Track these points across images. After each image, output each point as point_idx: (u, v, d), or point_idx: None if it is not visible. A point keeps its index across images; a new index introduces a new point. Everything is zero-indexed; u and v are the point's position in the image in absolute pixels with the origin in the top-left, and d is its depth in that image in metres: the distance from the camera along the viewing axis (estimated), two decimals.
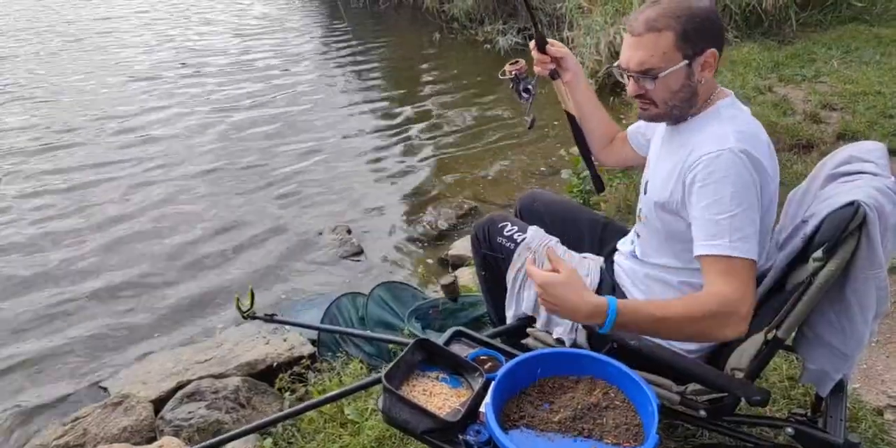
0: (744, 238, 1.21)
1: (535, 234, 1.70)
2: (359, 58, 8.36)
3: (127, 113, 6.00)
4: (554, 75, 1.75)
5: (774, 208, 1.33)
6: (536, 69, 1.74)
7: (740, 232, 1.21)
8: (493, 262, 1.74)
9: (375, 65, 8.11)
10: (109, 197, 4.38)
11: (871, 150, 1.26)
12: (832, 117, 4.07)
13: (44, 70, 7.52)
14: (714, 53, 1.31)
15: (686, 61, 1.30)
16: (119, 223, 4.04)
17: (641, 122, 1.61)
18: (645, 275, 1.51)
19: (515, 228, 1.71)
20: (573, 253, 1.69)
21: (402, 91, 6.87)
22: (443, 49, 8.83)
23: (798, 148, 3.70)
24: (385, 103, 6.49)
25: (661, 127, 1.49)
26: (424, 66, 7.90)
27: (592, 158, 1.84)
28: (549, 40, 1.72)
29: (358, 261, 3.55)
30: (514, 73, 1.76)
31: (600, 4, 6.84)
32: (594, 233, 1.82)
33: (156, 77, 7.18)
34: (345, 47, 8.87)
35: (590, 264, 1.65)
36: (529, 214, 1.89)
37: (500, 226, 1.72)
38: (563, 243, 1.70)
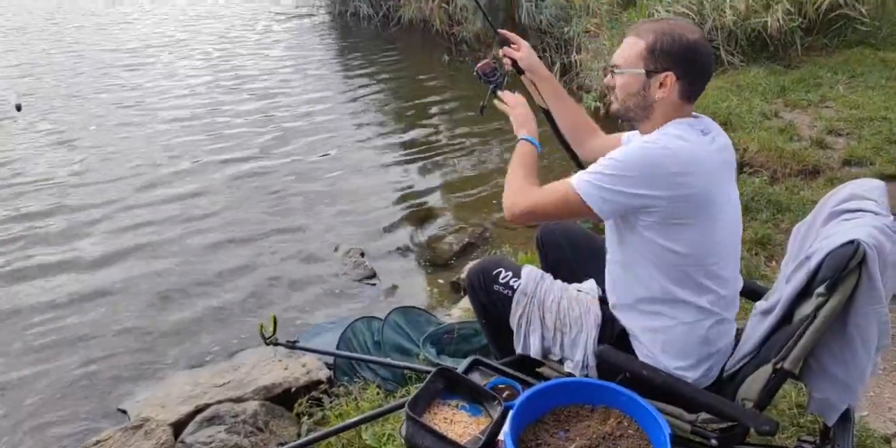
0: (600, 182, 1.39)
1: (528, 279, 1.71)
2: (370, 79, 8.50)
3: (138, 134, 6.12)
4: (519, 70, 1.91)
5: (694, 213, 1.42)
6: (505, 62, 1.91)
7: (609, 175, 1.39)
8: (493, 309, 1.75)
9: (386, 86, 8.24)
10: (123, 220, 4.47)
11: (871, 188, 1.31)
12: (838, 143, 4.12)
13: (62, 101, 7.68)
14: (671, 77, 1.44)
15: (644, 72, 1.45)
16: (134, 245, 4.11)
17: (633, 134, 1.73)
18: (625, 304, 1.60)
19: (510, 274, 1.73)
20: (569, 288, 1.72)
21: (413, 112, 6.98)
22: (452, 71, 8.96)
23: (804, 174, 3.75)
24: (395, 125, 6.59)
25: None
26: (434, 87, 8.03)
27: (578, 156, 1.96)
28: (511, 38, 1.91)
29: (371, 284, 3.61)
30: (476, 71, 1.92)
31: (607, 29, 6.96)
32: None
33: (165, 93, 7.33)
34: (356, 68, 9.04)
35: (588, 300, 1.67)
36: (549, 244, 1.95)
37: (493, 273, 1.74)
38: (578, 272, 1.76)
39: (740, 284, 1.57)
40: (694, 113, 1.52)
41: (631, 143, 1.48)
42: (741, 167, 4.03)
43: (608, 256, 1.62)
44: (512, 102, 1.78)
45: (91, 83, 7.88)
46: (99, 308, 3.49)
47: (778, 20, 5.87)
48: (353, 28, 12.40)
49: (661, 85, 1.45)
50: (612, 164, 1.41)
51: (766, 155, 4.01)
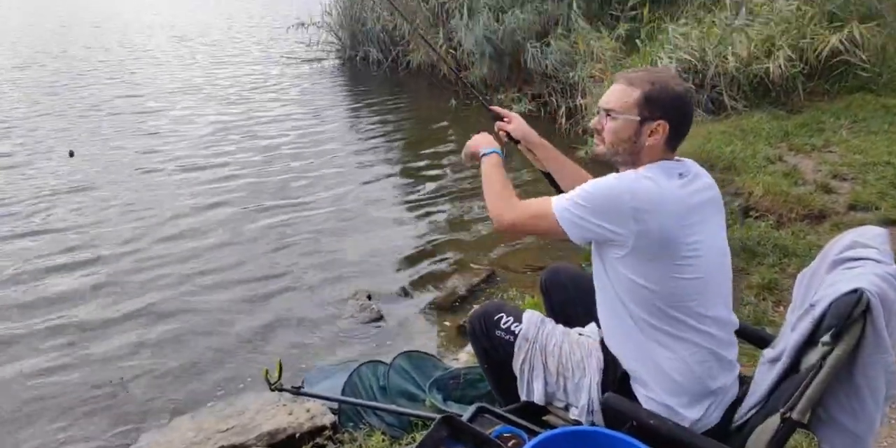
0: (571, 208, 1.51)
1: (529, 324, 1.74)
2: (379, 122, 8.65)
3: (149, 167, 6.21)
4: (514, 141, 2.05)
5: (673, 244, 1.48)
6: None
7: (580, 205, 1.50)
8: (495, 355, 1.77)
9: (394, 129, 8.38)
10: (131, 257, 4.50)
11: (873, 236, 1.33)
12: (843, 187, 4.14)
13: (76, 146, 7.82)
14: (664, 125, 1.53)
15: (639, 119, 1.53)
16: (141, 286, 4.13)
17: None
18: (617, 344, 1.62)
19: (511, 319, 1.76)
20: (570, 332, 1.75)
21: (420, 155, 7.06)
22: (458, 114, 9.10)
23: (810, 218, 3.77)
24: (403, 167, 6.68)
25: None
26: (441, 130, 8.15)
27: None
28: (503, 113, 2.06)
29: (378, 327, 3.60)
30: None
31: (611, 74, 7.09)
32: None
33: (180, 134, 7.46)
34: (365, 112, 9.21)
35: (590, 343, 1.69)
36: (554, 287, 1.97)
37: (495, 318, 1.77)
38: (582, 314, 1.76)
39: (732, 324, 1.59)
40: (677, 157, 1.60)
41: (609, 176, 1.56)
42: (746, 211, 4.05)
43: (596, 292, 1.66)
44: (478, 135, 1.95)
45: (107, 128, 7.92)
46: (103, 346, 3.49)
47: (780, 66, 5.98)
48: (362, 72, 12.67)
49: (651, 132, 1.54)
50: (583, 195, 1.52)
51: (772, 199, 4.04)
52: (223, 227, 5.02)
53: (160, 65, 12.64)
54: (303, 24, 13.43)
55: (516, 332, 1.70)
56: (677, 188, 1.49)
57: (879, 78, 6.48)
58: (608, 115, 1.58)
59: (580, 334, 1.71)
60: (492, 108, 2.09)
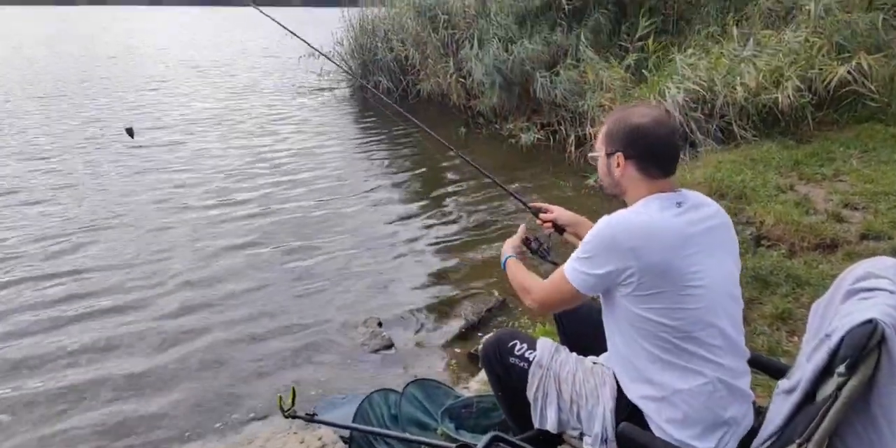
0: (578, 266, 1.56)
1: (544, 351, 1.76)
2: (389, 151, 8.76)
3: (163, 202, 6.27)
4: (560, 230, 2.12)
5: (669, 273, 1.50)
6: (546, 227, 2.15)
7: (580, 263, 1.56)
8: (508, 382, 1.79)
9: (403, 157, 8.48)
10: (145, 282, 4.53)
11: (886, 267, 1.33)
12: (854, 216, 4.14)
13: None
14: (619, 156, 1.60)
15: (605, 153, 1.64)
16: (152, 311, 4.15)
17: None
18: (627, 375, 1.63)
19: (525, 346, 1.78)
20: (584, 360, 1.76)
21: (430, 183, 7.13)
22: (468, 143, 9.19)
23: (822, 247, 3.76)
24: (413, 195, 6.73)
25: None
26: (451, 158, 8.20)
27: None
28: (542, 207, 2.15)
29: (389, 354, 3.60)
30: (522, 248, 2.11)
31: (620, 103, 7.16)
32: None
33: (189, 168, 7.55)
34: (375, 141, 9.33)
35: (603, 371, 1.70)
36: (567, 316, 1.99)
37: (509, 345, 1.80)
38: (595, 344, 1.76)
39: (744, 353, 1.60)
40: (679, 189, 1.62)
41: (599, 220, 1.60)
42: (758, 240, 4.05)
43: (605, 327, 1.68)
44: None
45: (122, 162, 7.82)
46: (114, 372, 3.49)
47: (788, 96, 6.02)
48: (372, 101, 12.84)
49: (617, 164, 1.61)
50: (584, 249, 1.57)
51: (783, 228, 4.03)
52: (234, 256, 5.05)
53: (174, 97, 12.82)
54: (314, 55, 13.66)
55: (530, 358, 1.72)
56: (672, 218, 1.51)
57: (888, 108, 6.50)
58: (591, 156, 1.71)
59: (594, 363, 1.72)
60: (532, 205, 2.19)
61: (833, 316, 1.31)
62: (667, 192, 1.58)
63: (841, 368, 1.15)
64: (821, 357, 1.22)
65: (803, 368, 1.30)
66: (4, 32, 37.06)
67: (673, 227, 1.50)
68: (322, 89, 14.09)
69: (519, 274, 1.86)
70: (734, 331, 1.57)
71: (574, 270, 1.58)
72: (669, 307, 1.49)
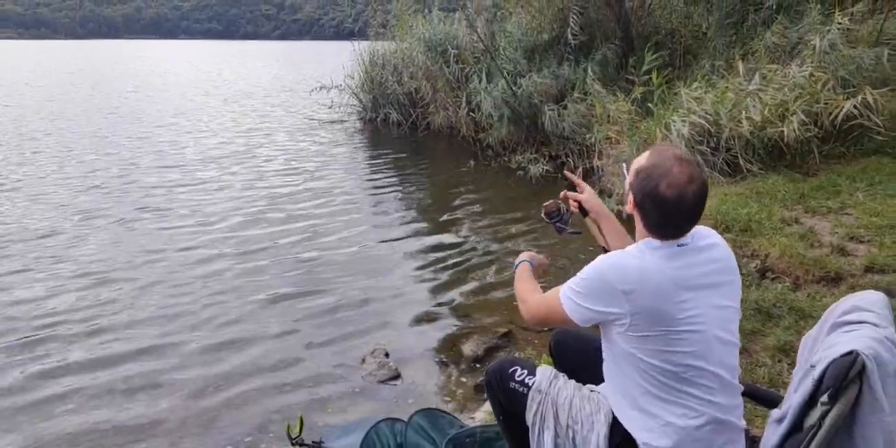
0: (573, 297, 1.61)
1: (543, 377, 1.82)
2: (398, 183, 8.87)
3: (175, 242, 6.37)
4: (584, 212, 2.07)
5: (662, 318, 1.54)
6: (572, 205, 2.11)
7: (577, 292, 1.60)
8: (509, 406, 1.85)
9: (413, 189, 8.58)
10: (155, 310, 4.60)
11: (873, 301, 1.38)
12: (859, 249, 4.16)
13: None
14: (631, 199, 1.60)
15: (628, 184, 1.63)
16: (159, 338, 4.20)
17: None
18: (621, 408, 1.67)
19: (525, 372, 1.84)
20: (582, 387, 1.81)
21: (439, 215, 7.20)
22: (477, 175, 9.29)
23: (826, 280, 3.78)
24: (421, 226, 6.81)
25: None
26: (460, 191, 8.31)
27: None
28: (577, 182, 2.10)
29: (395, 385, 3.62)
30: (544, 216, 2.13)
31: (627, 136, 7.25)
32: None
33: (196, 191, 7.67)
34: (385, 173, 9.46)
35: (599, 399, 1.75)
36: (561, 348, 2.04)
37: (510, 371, 1.86)
38: (590, 376, 1.81)
39: (736, 389, 1.62)
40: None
41: (595, 261, 1.63)
42: (763, 273, 4.08)
43: (603, 360, 1.72)
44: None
45: (143, 202, 7.59)
46: (118, 395, 3.54)
47: (794, 130, 6.08)
48: (382, 133, 13.06)
49: (629, 201, 1.62)
50: (579, 282, 1.62)
51: (788, 261, 4.06)
52: (242, 282, 5.12)
53: (191, 133, 12.92)
54: (324, 87, 14.01)
55: (530, 384, 1.78)
56: (667, 262, 1.53)
57: (895, 141, 6.56)
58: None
59: (591, 391, 1.77)
60: (567, 174, 2.15)
61: (819, 348, 1.36)
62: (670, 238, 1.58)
63: (824, 398, 1.20)
64: (806, 387, 1.26)
65: (791, 398, 1.34)
66: (18, 66, 37.98)
67: (667, 272, 1.52)
68: (333, 121, 14.35)
69: (523, 282, 1.91)
70: (728, 373, 1.58)
71: (568, 299, 1.63)
72: (661, 349, 1.53)
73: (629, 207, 1.61)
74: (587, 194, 2.06)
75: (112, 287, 5.03)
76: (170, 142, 11.78)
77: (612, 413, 1.68)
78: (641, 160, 1.60)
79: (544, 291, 1.80)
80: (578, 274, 1.63)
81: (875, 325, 1.28)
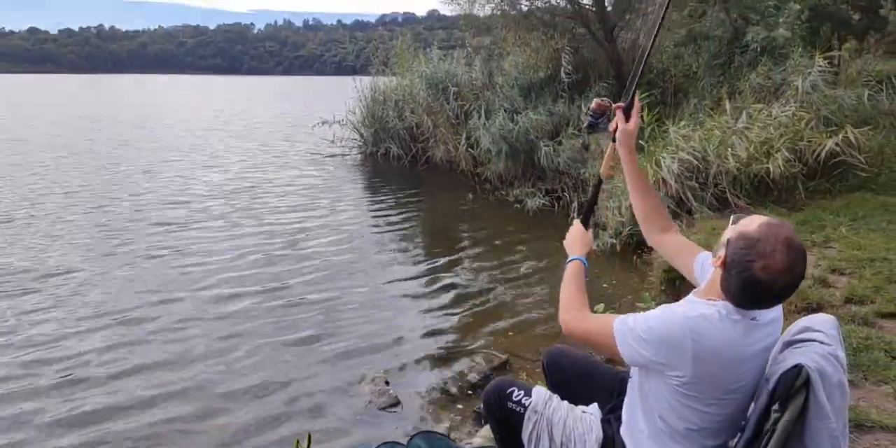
0: (630, 338, 1.56)
1: (538, 397, 1.95)
2: (398, 215, 9.07)
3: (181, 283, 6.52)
4: (614, 139, 2.05)
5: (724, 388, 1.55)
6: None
7: (639, 336, 1.54)
8: (506, 425, 1.97)
9: (412, 221, 8.78)
10: (156, 338, 4.71)
11: (822, 321, 1.55)
12: (840, 281, 4.33)
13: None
14: (720, 260, 1.52)
15: (725, 240, 1.52)
16: (163, 365, 4.31)
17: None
18: (630, 430, 1.75)
19: (522, 393, 1.96)
20: (575, 408, 1.94)
21: (437, 246, 7.39)
22: (475, 207, 9.51)
23: (808, 310, 3.93)
24: (422, 257, 6.98)
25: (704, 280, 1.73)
26: (458, 223, 8.52)
27: (654, 242, 2.08)
28: (634, 109, 2.00)
29: (394, 412, 3.75)
30: (590, 110, 2.12)
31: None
32: (612, 387, 2.05)
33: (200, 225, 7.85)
34: (384, 205, 9.68)
35: (591, 419, 1.89)
36: (554, 367, 2.18)
37: (507, 392, 1.97)
38: (580, 394, 1.97)
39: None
40: None
41: (674, 307, 1.60)
42: None
43: (629, 382, 1.76)
44: (575, 229, 2.07)
45: (153, 241, 7.48)
46: (132, 424, 3.65)
47: (779, 166, 6.32)
48: (383, 167, 13.33)
49: (718, 258, 1.54)
50: (645, 328, 1.54)
51: None
52: (242, 312, 5.25)
53: (201, 167, 13.13)
54: (326, 122, 14.36)
55: (526, 404, 1.92)
56: (741, 336, 1.51)
57: (878, 178, 6.77)
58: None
59: (583, 411, 1.92)
60: (631, 99, 2.00)
61: (773, 364, 1.52)
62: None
63: (775, 406, 1.36)
64: (763, 399, 1.43)
65: (752, 409, 1.50)
66: (24, 100, 38.50)
67: (738, 346, 1.50)
68: (335, 155, 14.63)
69: (575, 287, 1.84)
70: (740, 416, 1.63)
71: (625, 337, 1.58)
72: (703, 411, 1.56)
73: (717, 262, 1.53)
74: (633, 126, 2.00)
75: (127, 329, 4.96)
76: (180, 177, 11.93)
77: (603, 435, 1.81)
78: (752, 226, 1.49)
79: None
80: (645, 315, 1.57)
81: (822, 342, 1.45)
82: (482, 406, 2.09)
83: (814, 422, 1.36)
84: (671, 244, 2.02)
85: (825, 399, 1.34)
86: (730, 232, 1.54)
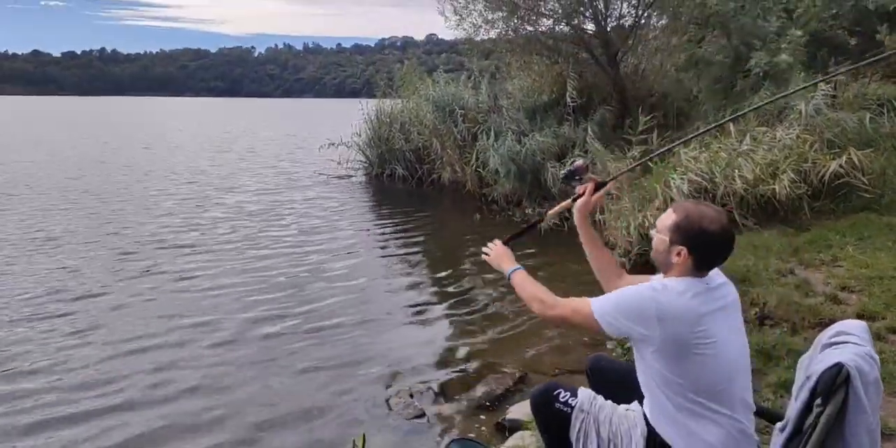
0: (608, 307, 1.87)
1: (584, 397, 2.09)
2: (409, 235, 9.18)
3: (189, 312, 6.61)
4: (575, 198, 2.41)
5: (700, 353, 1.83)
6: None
7: (611, 306, 1.87)
8: (555, 425, 2.10)
9: (424, 242, 8.89)
10: (191, 379, 4.66)
11: (855, 326, 1.68)
12: (851, 299, 4.45)
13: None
14: (682, 251, 1.88)
15: (668, 240, 1.91)
16: (188, 397, 4.30)
17: None
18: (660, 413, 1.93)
19: (568, 394, 2.11)
20: (618, 406, 2.07)
21: (448, 266, 7.46)
22: (483, 228, 9.60)
23: (822, 326, 4.04)
24: (432, 278, 7.09)
25: None
26: (467, 243, 8.61)
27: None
28: (598, 190, 2.38)
29: (421, 422, 3.84)
30: (572, 166, 2.48)
31: (628, 192, 7.62)
32: None
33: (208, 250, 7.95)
34: (391, 226, 9.81)
35: (635, 416, 2.01)
36: (596, 371, 2.31)
37: (554, 393, 2.12)
38: (621, 395, 2.08)
39: (751, 406, 1.91)
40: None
41: (644, 284, 1.92)
42: (763, 319, 4.35)
43: (639, 378, 1.98)
44: (497, 248, 2.37)
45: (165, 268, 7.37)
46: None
47: (785, 187, 6.47)
48: (388, 188, 13.49)
49: (677, 254, 1.89)
50: (616, 299, 1.88)
51: (785, 308, 4.34)
52: (271, 336, 5.31)
53: (213, 189, 13.28)
54: (332, 144, 14.58)
55: (573, 404, 2.05)
56: (694, 299, 1.82)
57: (882, 199, 6.88)
58: (652, 229, 2.01)
59: (627, 409, 2.03)
60: (595, 180, 2.42)
61: (812, 364, 1.64)
62: (697, 277, 1.91)
63: (818, 401, 1.47)
64: (804, 396, 1.54)
65: (792, 407, 1.61)
66: (29, 122, 38.72)
67: (691, 309, 1.81)
68: (341, 177, 14.81)
69: (534, 287, 2.12)
70: (744, 390, 1.90)
71: (602, 310, 1.88)
72: (687, 370, 1.82)
73: (678, 260, 1.89)
74: (595, 201, 2.39)
75: (162, 352, 4.97)
76: (193, 199, 12.03)
77: (647, 428, 1.93)
78: (672, 217, 1.92)
79: None
80: (617, 293, 1.91)
81: (857, 344, 1.57)
82: (531, 407, 2.20)
83: (853, 416, 1.48)
84: (627, 285, 2.29)
85: (863, 395, 1.46)
86: (663, 238, 1.92)
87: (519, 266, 2.24)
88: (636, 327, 1.83)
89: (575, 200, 2.39)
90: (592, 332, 2.01)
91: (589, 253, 2.39)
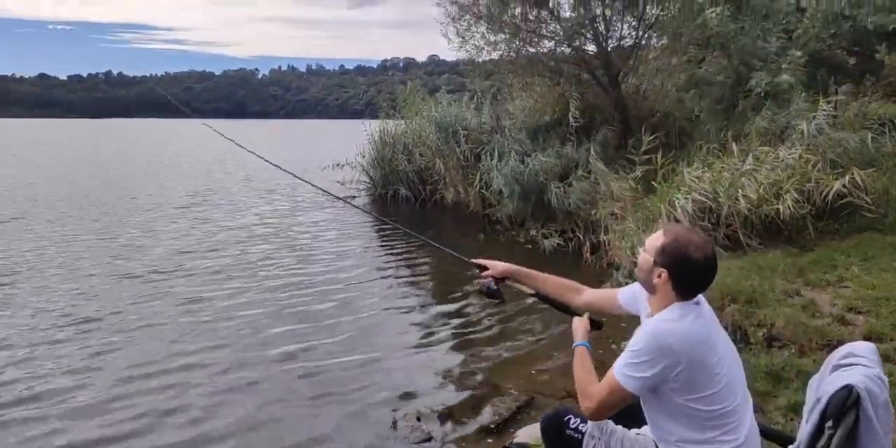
0: (629, 372, 1.85)
1: (595, 424, 2.08)
2: (408, 257, 9.17)
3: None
4: (500, 280, 2.65)
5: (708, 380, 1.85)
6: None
7: (631, 368, 1.85)
8: None
9: (424, 263, 8.86)
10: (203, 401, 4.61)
11: (864, 348, 1.69)
12: (858, 320, 4.43)
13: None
14: (663, 273, 1.92)
15: (654, 261, 1.95)
16: (195, 419, 4.28)
17: (639, 288, 2.18)
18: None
19: (579, 420, 2.12)
20: (628, 431, 2.09)
21: (455, 287, 7.45)
22: (487, 248, 9.61)
23: (830, 347, 4.02)
24: (440, 298, 7.09)
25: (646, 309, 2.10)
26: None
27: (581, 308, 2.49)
28: (483, 263, 2.68)
29: (428, 447, 3.81)
30: (485, 293, 2.71)
31: (632, 212, 7.65)
32: None
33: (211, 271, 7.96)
34: (394, 247, 9.82)
35: (645, 441, 2.02)
36: None
37: (564, 419, 2.15)
38: (630, 417, 2.08)
39: (756, 428, 1.91)
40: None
41: (644, 328, 1.95)
42: (770, 341, 4.34)
43: (646, 412, 2.00)
44: (578, 322, 2.39)
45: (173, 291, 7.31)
46: None
47: (789, 207, 6.47)
48: (392, 208, 13.52)
49: (658, 275, 1.93)
50: (633, 355, 1.86)
51: (792, 330, 4.33)
52: (269, 359, 5.29)
53: (220, 211, 13.38)
54: (337, 165, 14.66)
55: (583, 430, 2.07)
56: (696, 321, 1.88)
57: (885, 218, 6.86)
58: (643, 248, 2.03)
59: (637, 433, 2.03)
60: (472, 261, 2.68)
61: (822, 386, 1.64)
62: (684, 302, 1.94)
63: (829, 423, 1.48)
64: (815, 418, 1.55)
65: (803, 429, 1.61)
66: (35, 144, 39.01)
67: (700, 329, 1.86)
68: (345, 197, 14.85)
69: (583, 369, 2.10)
70: (744, 401, 1.92)
71: (625, 376, 1.87)
72: (703, 395, 1.82)
73: (658, 281, 1.93)
74: (496, 269, 2.62)
75: (149, 382, 4.88)
76: (201, 220, 12.12)
77: None
78: (660, 239, 1.95)
79: None
80: (627, 349, 1.90)
81: (866, 366, 1.57)
82: (542, 434, 2.20)
83: (865, 438, 1.48)
84: (594, 300, 2.47)
85: (874, 416, 1.46)
86: (648, 258, 1.96)
87: (585, 341, 2.27)
88: (660, 369, 1.82)
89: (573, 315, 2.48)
90: (630, 399, 1.94)
91: (542, 290, 2.55)
